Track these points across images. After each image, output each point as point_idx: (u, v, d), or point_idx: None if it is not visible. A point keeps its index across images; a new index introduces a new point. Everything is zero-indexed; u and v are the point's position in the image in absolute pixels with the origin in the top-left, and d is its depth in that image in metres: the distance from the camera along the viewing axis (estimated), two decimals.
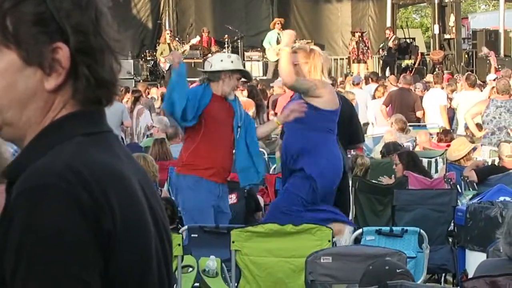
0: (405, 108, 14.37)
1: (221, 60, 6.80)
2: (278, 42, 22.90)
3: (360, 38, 24.29)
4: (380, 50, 24.69)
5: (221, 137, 6.77)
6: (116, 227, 1.48)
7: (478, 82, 18.09)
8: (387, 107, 14.87)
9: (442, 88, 15.80)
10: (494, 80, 15.16)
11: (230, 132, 6.81)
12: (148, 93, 17.86)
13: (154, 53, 23.71)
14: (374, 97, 16.12)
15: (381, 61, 24.77)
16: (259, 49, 24.38)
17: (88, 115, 1.58)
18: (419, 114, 14.88)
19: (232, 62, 6.80)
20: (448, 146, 10.86)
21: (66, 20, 1.53)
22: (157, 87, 20.42)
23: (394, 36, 24.68)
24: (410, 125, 13.27)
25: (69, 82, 1.55)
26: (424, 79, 19.72)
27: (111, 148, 1.59)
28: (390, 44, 24.35)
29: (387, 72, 23.55)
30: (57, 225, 1.43)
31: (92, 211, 1.45)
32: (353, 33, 24.92)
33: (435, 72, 19.25)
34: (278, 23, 23.17)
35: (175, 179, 7.10)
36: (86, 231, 1.44)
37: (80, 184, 1.46)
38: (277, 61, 22.00)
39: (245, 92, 14.60)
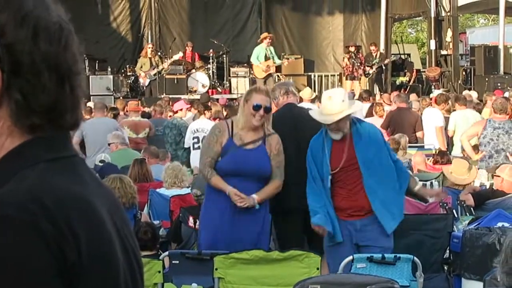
0: (408, 128, 14.22)
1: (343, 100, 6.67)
2: (266, 58, 22.91)
3: (354, 54, 24.31)
4: (369, 67, 24.61)
5: None
6: (81, 257, 1.48)
7: (475, 101, 18.06)
8: (386, 129, 14.41)
9: (444, 109, 15.47)
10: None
11: None
12: (127, 111, 17.79)
13: (135, 68, 23.72)
14: (368, 116, 16.05)
15: (371, 79, 24.78)
16: (245, 64, 24.39)
17: (50, 140, 1.57)
18: (419, 134, 14.67)
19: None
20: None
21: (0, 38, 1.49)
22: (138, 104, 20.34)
23: (379, 53, 24.71)
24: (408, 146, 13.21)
25: (5, 106, 1.52)
26: (416, 99, 19.32)
27: (77, 174, 1.58)
28: (378, 61, 24.37)
29: (376, 90, 23.56)
30: (18, 257, 1.43)
31: (56, 241, 1.45)
32: (347, 47, 24.94)
33: (438, 93, 18.96)
34: (268, 38, 23.07)
35: None
36: (48, 262, 1.44)
37: (42, 214, 1.45)
38: (264, 77, 22.15)
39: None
